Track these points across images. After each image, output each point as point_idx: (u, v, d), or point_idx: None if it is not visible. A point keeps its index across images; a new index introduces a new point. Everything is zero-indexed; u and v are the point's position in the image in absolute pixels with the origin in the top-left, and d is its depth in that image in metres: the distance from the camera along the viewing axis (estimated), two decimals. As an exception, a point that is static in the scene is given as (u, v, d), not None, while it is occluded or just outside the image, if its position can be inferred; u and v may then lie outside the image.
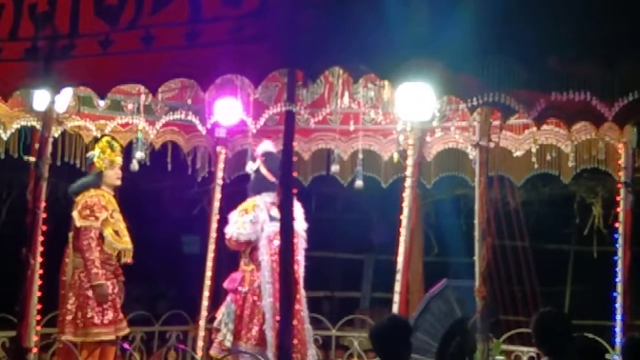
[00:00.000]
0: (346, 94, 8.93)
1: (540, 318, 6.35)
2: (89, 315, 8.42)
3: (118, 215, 8.73)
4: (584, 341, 6.37)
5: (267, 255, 8.30)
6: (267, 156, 8.65)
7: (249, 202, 8.54)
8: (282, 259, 6.16)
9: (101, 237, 8.54)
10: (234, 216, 8.56)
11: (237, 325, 8.38)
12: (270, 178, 8.49)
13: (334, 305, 16.16)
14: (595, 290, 11.64)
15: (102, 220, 8.55)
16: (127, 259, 8.70)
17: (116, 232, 8.64)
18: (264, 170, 8.61)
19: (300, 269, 8.37)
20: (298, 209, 8.47)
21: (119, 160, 8.78)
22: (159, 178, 12.94)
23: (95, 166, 8.72)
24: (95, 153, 8.74)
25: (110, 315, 8.49)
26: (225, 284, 8.59)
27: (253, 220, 8.41)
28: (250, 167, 8.82)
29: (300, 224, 8.49)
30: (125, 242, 8.69)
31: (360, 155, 9.29)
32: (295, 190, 6.17)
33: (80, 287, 8.47)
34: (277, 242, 8.01)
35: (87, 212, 8.55)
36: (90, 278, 8.43)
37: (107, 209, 8.61)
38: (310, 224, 8.71)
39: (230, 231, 8.52)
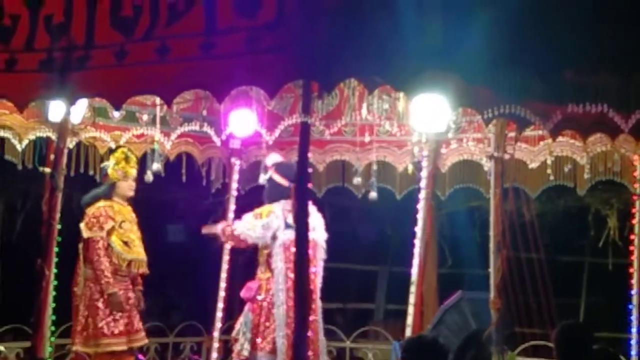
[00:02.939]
0: (361, 105, 8.91)
1: (563, 330, 6.31)
2: (99, 326, 8.38)
3: (129, 226, 8.69)
4: (605, 354, 6.33)
5: (281, 262, 8.22)
6: (278, 164, 8.63)
7: (265, 208, 8.47)
8: (297, 269, 6.16)
9: (110, 247, 8.53)
10: (247, 216, 8.51)
11: (254, 334, 8.35)
12: (285, 183, 8.45)
13: (348, 317, 16.13)
14: (610, 302, 11.59)
15: (107, 230, 8.51)
16: (140, 269, 8.68)
17: (125, 243, 8.61)
18: (277, 177, 8.53)
19: (317, 280, 8.35)
20: (319, 220, 8.48)
21: (133, 172, 8.75)
22: (173, 189, 12.95)
23: (108, 177, 8.68)
24: (109, 164, 8.71)
25: (121, 325, 8.45)
26: (242, 293, 8.55)
27: (265, 225, 8.33)
28: (263, 179, 8.78)
29: (320, 234, 8.46)
30: (136, 253, 8.64)
31: (375, 167, 9.28)
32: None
33: (90, 297, 8.44)
34: (294, 250, 7.96)
35: (93, 222, 8.54)
36: (102, 288, 8.41)
37: (114, 219, 8.57)
38: (325, 235, 8.68)
39: (240, 228, 8.49)
